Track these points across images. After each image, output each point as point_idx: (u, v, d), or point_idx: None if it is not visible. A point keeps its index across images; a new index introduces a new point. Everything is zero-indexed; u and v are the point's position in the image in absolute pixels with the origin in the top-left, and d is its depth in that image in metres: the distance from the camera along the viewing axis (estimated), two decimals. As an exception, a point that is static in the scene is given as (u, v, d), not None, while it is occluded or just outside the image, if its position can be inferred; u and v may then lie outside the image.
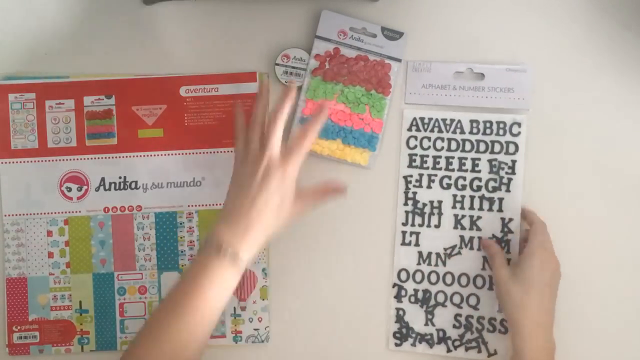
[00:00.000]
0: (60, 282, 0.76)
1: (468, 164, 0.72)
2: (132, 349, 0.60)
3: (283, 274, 0.76)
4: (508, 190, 0.71)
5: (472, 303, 0.72)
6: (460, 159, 0.72)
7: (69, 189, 0.76)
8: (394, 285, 0.72)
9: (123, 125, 0.76)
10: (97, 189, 0.76)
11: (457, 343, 0.71)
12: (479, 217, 0.72)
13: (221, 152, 0.76)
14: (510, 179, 0.71)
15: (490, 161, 0.72)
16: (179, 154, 0.76)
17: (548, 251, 0.67)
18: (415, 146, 0.72)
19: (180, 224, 0.76)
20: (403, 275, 0.72)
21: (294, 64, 0.75)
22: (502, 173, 0.71)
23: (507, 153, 0.72)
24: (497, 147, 0.72)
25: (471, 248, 0.72)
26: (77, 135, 0.76)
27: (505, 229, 0.71)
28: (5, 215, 0.76)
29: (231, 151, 0.75)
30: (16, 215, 0.76)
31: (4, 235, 0.76)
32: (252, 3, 0.76)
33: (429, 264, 0.72)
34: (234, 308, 0.76)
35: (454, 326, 0.72)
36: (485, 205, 0.72)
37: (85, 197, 0.76)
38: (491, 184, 0.71)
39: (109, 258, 0.76)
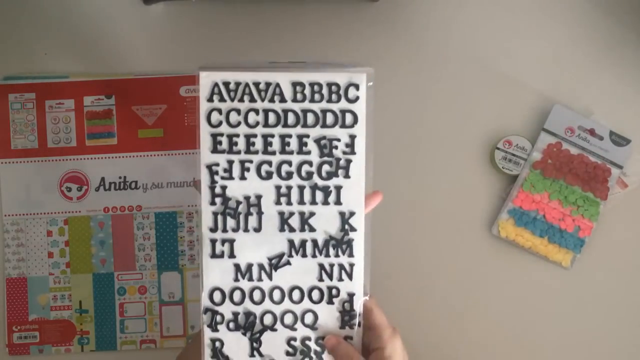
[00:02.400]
0: (60, 282, 0.76)
1: (293, 144, 0.54)
2: None
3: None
4: (347, 176, 0.54)
5: (308, 322, 0.55)
6: (282, 136, 0.54)
7: (69, 189, 0.76)
8: (206, 310, 0.55)
9: (123, 125, 0.76)
10: (97, 189, 0.76)
11: None
12: (311, 214, 0.55)
13: (221, 152, 0.76)
14: (348, 161, 0.54)
15: (320, 139, 0.54)
16: (179, 154, 0.76)
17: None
18: (220, 122, 0.54)
19: (180, 224, 0.76)
20: (217, 297, 0.55)
21: (514, 152, 0.74)
22: (337, 153, 0.54)
23: (343, 126, 0.54)
24: (329, 118, 0.54)
25: (304, 255, 0.55)
26: (77, 135, 0.76)
27: (346, 227, 0.55)
28: (5, 215, 0.76)
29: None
30: (16, 215, 0.76)
31: (4, 235, 0.76)
32: (252, 4, 0.76)
33: (250, 279, 0.55)
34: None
35: (288, 353, 0.56)
36: (319, 197, 0.54)
37: (85, 197, 0.76)
38: (325, 168, 0.54)
39: (109, 258, 0.76)
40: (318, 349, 0.55)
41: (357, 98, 0.54)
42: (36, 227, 0.76)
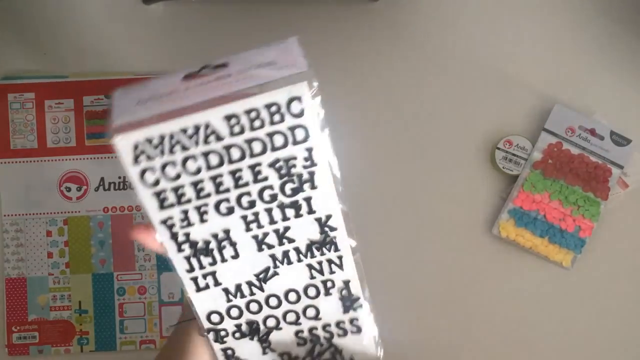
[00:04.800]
0: (59, 282, 0.76)
1: (246, 176, 0.48)
2: None
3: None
4: (314, 187, 0.50)
5: (311, 315, 0.55)
6: (232, 172, 0.48)
7: (69, 189, 0.76)
8: (208, 330, 0.55)
9: (123, 125, 0.76)
10: (97, 189, 0.76)
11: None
12: (287, 228, 0.51)
13: (221, 152, 0.76)
14: (312, 173, 0.49)
15: (274, 162, 0.48)
16: (179, 154, 0.76)
17: None
18: (157, 181, 0.47)
19: (180, 224, 0.76)
20: (215, 318, 0.54)
21: (515, 152, 0.74)
22: (297, 170, 0.49)
23: (295, 143, 0.48)
24: (278, 140, 0.47)
25: (289, 262, 0.53)
26: (77, 135, 0.76)
27: (325, 229, 0.52)
28: (4, 215, 0.75)
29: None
30: (15, 215, 0.75)
31: (3, 235, 0.76)
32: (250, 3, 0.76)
33: (243, 296, 0.54)
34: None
35: (299, 344, 0.56)
36: (290, 213, 0.51)
37: (85, 197, 0.76)
38: (288, 186, 0.50)
39: (109, 258, 0.76)
40: (327, 335, 0.56)
41: (303, 111, 0.46)
42: (35, 227, 0.76)
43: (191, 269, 0.52)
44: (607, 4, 0.77)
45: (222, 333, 0.55)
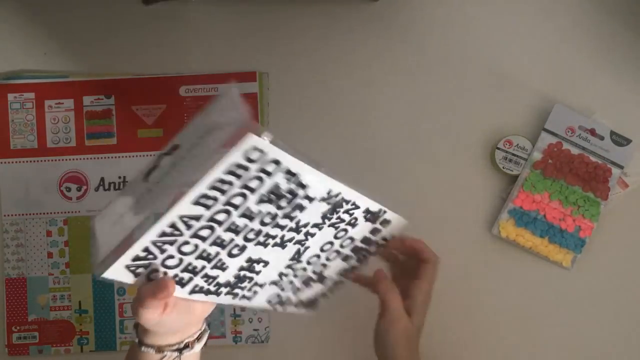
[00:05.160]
0: (59, 283, 0.76)
1: (242, 222, 0.50)
2: None
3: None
4: (305, 187, 0.51)
5: (347, 244, 0.62)
6: (228, 229, 0.50)
7: (69, 189, 0.76)
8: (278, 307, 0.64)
9: (122, 125, 0.76)
10: (97, 189, 0.76)
11: (365, 263, 0.66)
12: (298, 222, 0.54)
13: (221, 152, 0.76)
14: (297, 181, 0.50)
15: (261, 199, 0.49)
16: (179, 154, 0.76)
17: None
18: (165, 274, 0.50)
19: (180, 224, 0.76)
20: (275, 298, 0.63)
21: (515, 152, 0.74)
22: (284, 189, 0.49)
23: (270, 174, 0.47)
24: (254, 183, 0.47)
25: (313, 235, 0.57)
26: (77, 135, 0.76)
27: (331, 199, 0.54)
28: (4, 216, 0.76)
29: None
30: (15, 215, 0.75)
31: (3, 236, 0.76)
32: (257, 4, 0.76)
33: (287, 276, 0.60)
34: (234, 309, 0.75)
35: (349, 261, 0.64)
36: (295, 213, 0.53)
37: (85, 197, 0.76)
38: (283, 201, 0.51)
39: (109, 258, 0.76)
40: (366, 243, 0.63)
41: (263, 151, 0.44)
42: (35, 227, 0.76)
43: (236, 295, 0.58)
44: (607, 4, 0.77)
45: (288, 301, 0.63)
